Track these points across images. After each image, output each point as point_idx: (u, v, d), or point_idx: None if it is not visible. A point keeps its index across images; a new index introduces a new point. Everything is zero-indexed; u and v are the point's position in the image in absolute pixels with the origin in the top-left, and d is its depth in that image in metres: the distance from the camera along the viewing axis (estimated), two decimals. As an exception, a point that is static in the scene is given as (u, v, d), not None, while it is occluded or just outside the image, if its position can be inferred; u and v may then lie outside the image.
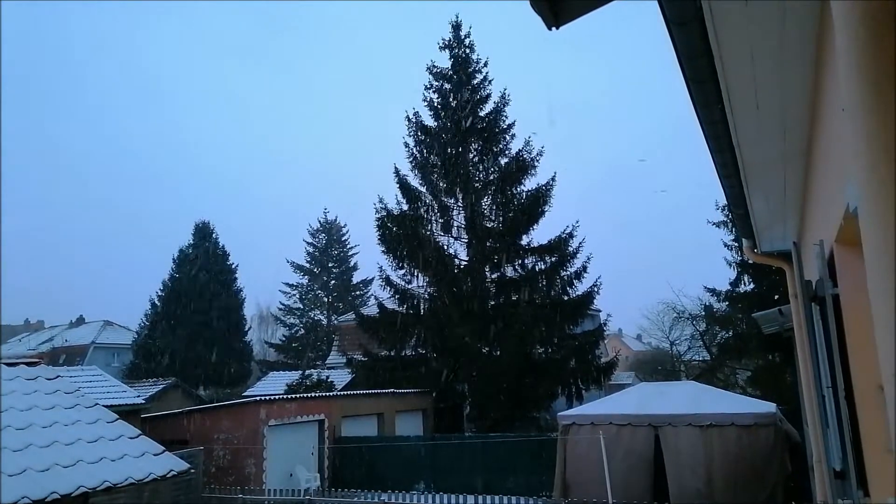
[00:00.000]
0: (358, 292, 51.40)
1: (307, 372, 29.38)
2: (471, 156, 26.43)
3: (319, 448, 18.86)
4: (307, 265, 51.92)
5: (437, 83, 27.37)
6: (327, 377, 28.20)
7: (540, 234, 27.07)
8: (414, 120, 26.87)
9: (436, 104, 27.20)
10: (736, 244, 21.63)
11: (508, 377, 22.79)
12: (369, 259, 67.17)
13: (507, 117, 26.75)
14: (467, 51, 27.39)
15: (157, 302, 42.82)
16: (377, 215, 25.74)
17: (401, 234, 25.18)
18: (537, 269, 25.10)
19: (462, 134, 26.00)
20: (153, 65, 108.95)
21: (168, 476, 9.92)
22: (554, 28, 2.30)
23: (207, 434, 17.21)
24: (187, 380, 34.56)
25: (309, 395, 21.13)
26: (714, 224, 23.79)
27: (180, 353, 39.47)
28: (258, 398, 18.97)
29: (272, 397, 19.58)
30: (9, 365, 11.01)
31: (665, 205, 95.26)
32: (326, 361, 36.58)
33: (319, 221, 53.46)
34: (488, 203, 26.01)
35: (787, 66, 3.31)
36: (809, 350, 5.13)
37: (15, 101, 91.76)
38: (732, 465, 11.89)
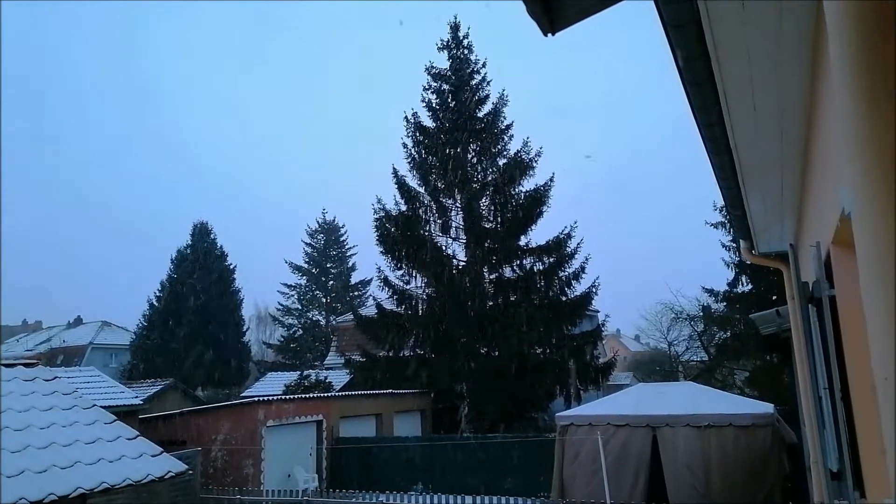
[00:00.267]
0: (356, 293, 51.42)
1: (305, 372, 29.36)
2: (469, 156, 26.44)
3: (318, 449, 18.85)
4: (305, 266, 51.94)
5: (435, 84, 27.41)
6: (325, 378, 28.18)
7: (538, 234, 27.17)
8: (412, 120, 26.89)
9: (434, 105, 27.22)
10: (733, 245, 21.67)
11: (506, 378, 22.81)
12: (368, 260, 67.32)
13: (505, 118, 26.81)
14: (466, 52, 27.42)
15: (155, 302, 42.80)
16: (375, 216, 25.79)
17: (399, 234, 25.20)
18: (535, 269, 25.13)
19: (460, 134, 26.00)
20: (153, 65, 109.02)
21: (166, 477, 9.91)
22: (550, 34, 2.32)
23: (205, 435, 17.19)
24: (185, 380, 34.52)
25: (307, 395, 21.12)
26: (712, 225, 23.86)
27: (178, 353, 39.45)
28: (256, 399, 18.96)
29: (270, 398, 19.55)
30: (6, 366, 10.98)
31: (663, 206, 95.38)
32: (325, 362, 36.56)
33: (318, 222, 53.52)
34: (486, 204, 26.03)
35: (783, 68, 3.32)
36: (806, 351, 5.14)
37: (14, 101, 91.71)
38: (730, 465, 11.90)
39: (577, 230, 25.24)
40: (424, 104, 27.32)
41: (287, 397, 20.39)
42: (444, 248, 25.68)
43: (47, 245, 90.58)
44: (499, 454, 17.36)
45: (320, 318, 50.74)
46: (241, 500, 13.98)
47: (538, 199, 25.36)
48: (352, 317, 28.88)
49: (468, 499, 14.08)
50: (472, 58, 27.37)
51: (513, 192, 25.77)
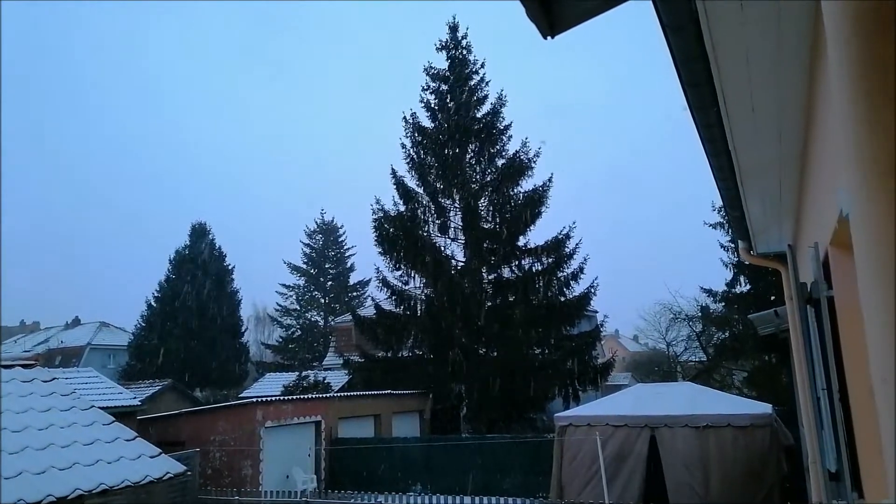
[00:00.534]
0: (355, 293, 51.40)
1: (304, 373, 29.33)
2: (468, 157, 26.44)
3: (316, 449, 18.84)
4: (304, 266, 51.91)
5: (434, 84, 27.41)
6: (324, 378, 28.17)
7: (537, 235, 27.15)
8: (411, 121, 26.89)
9: (433, 105, 27.22)
10: (732, 245, 21.69)
11: (505, 378, 22.81)
12: (366, 260, 67.24)
13: (504, 118, 26.80)
14: (464, 52, 27.42)
15: (153, 303, 42.72)
16: (374, 216, 25.80)
17: (398, 235, 25.20)
18: (534, 270, 25.13)
19: (459, 135, 26.01)
20: (153, 65, 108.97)
21: (164, 478, 9.90)
22: (549, 37, 2.32)
23: (204, 436, 17.17)
24: (183, 381, 34.47)
25: (305, 396, 21.10)
26: (710, 225, 23.89)
27: (176, 354, 39.37)
28: (255, 399, 18.94)
29: (269, 399, 19.54)
30: (4, 367, 10.97)
31: (662, 206, 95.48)
32: (323, 363, 36.55)
33: (316, 222, 53.50)
34: (485, 204, 26.04)
35: (782, 69, 3.33)
36: (804, 352, 5.15)
37: (13, 101, 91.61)
38: (729, 465, 11.91)
39: (575, 230, 25.28)
40: (423, 105, 27.34)
41: (285, 398, 20.38)
42: (442, 248, 25.69)
43: (45, 245, 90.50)
44: (497, 455, 17.36)
45: (319, 318, 50.71)
46: (240, 501, 13.97)
47: (537, 199, 25.36)
48: (350, 317, 28.87)
49: (466, 499, 14.07)
50: (471, 58, 27.39)
51: (511, 193, 25.77)
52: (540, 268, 25.16)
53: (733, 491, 11.69)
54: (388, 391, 22.66)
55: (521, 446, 17.10)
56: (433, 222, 25.93)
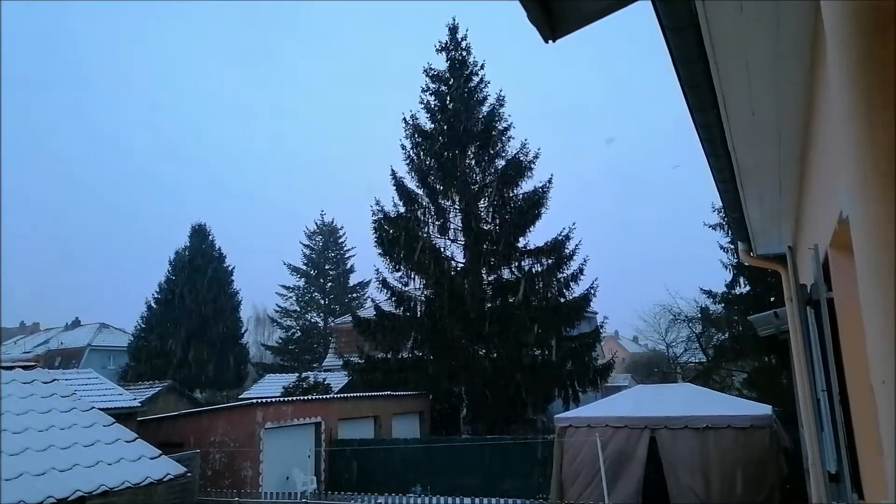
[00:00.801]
0: (355, 294, 51.40)
1: (304, 374, 29.33)
2: (468, 158, 26.43)
3: (316, 451, 18.83)
4: (304, 267, 51.90)
5: (434, 85, 27.41)
6: (324, 380, 28.16)
7: (537, 236, 27.16)
8: (411, 122, 26.89)
9: (433, 106, 27.21)
10: (732, 247, 21.69)
11: (505, 379, 22.81)
12: (366, 261, 67.28)
13: (503, 119, 26.79)
14: (464, 53, 27.42)
15: (153, 304, 42.71)
16: (374, 217, 25.81)
17: (398, 236, 25.19)
18: (534, 271, 25.12)
19: (459, 136, 26.01)
20: (152, 65, 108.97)
21: (164, 480, 9.90)
22: (551, 41, 2.32)
23: (204, 437, 17.16)
24: (183, 382, 34.46)
25: (305, 397, 21.09)
26: (710, 226, 23.88)
27: (176, 355, 39.37)
28: (255, 401, 18.92)
29: (269, 400, 19.54)
30: (5, 368, 10.97)
31: (662, 207, 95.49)
32: (323, 364, 36.53)
33: (316, 223, 53.52)
34: (485, 205, 26.05)
35: (781, 70, 3.33)
36: (804, 353, 5.15)
37: (12, 101, 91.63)
38: (729, 467, 11.91)
39: (575, 232, 25.28)
40: (423, 106, 27.34)
41: (285, 399, 20.36)
42: (442, 249, 25.69)
43: (45, 246, 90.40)
44: (497, 456, 17.34)
45: (319, 319, 50.70)
46: (240, 503, 13.96)
47: (536, 200, 25.37)
48: (350, 318, 28.85)
49: (466, 500, 14.06)
50: (471, 59, 27.40)
51: (511, 194, 25.78)
52: (540, 269, 25.15)
53: (733, 492, 11.69)
54: (388, 392, 22.65)
55: (521, 447, 17.09)
56: (433, 223, 25.94)
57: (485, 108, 26.94)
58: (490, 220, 25.90)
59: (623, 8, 2.42)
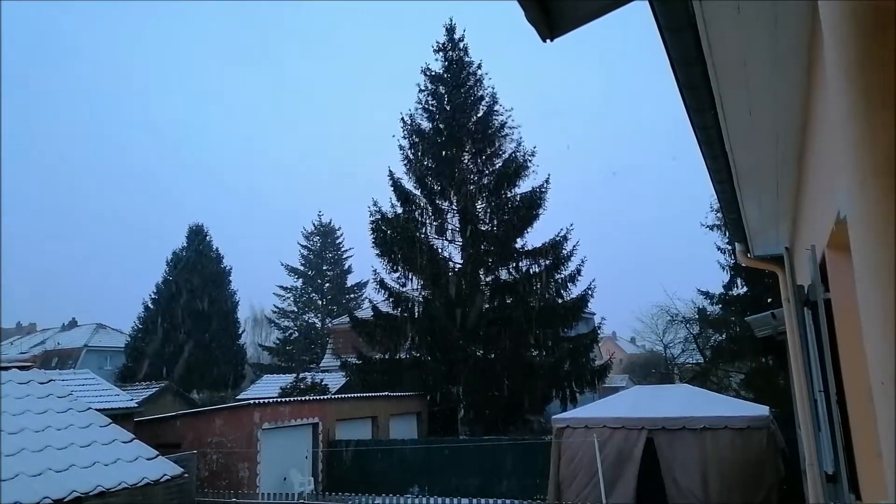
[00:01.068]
0: (352, 295, 51.36)
1: (301, 375, 29.29)
2: (465, 158, 26.44)
3: (313, 451, 18.81)
4: (301, 268, 51.86)
5: (431, 86, 27.40)
6: (321, 380, 28.14)
7: (534, 236, 27.10)
8: (409, 122, 26.90)
9: (430, 107, 27.21)
10: (729, 248, 21.71)
11: (503, 380, 22.80)
12: (364, 262, 67.20)
13: (501, 120, 26.83)
14: (461, 53, 27.43)
15: (150, 305, 42.65)
16: (371, 218, 25.79)
17: (395, 237, 25.19)
18: (532, 272, 25.12)
19: (456, 136, 26.02)
20: (152, 66, 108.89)
21: (161, 480, 9.87)
22: (549, 40, 2.32)
23: (201, 438, 17.13)
24: (180, 383, 34.40)
25: (303, 398, 21.07)
26: (708, 227, 23.91)
27: (173, 356, 39.31)
28: (252, 401, 18.88)
29: (266, 400, 19.50)
30: (2, 368, 10.94)
31: (660, 208, 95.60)
32: (320, 364, 36.51)
33: (314, 224, 53.49)
34: (483, 206, 26.04)
35: (779, 71, 3.33)
36: (802, 354, 5.16)
37: (10, 101, 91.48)
38: (727, 467, 11.92)
39: (573, 232, 25.28)
40: (420, 106, 27.34)
41: (283, 400, 20.33)
42: (440, 250, 25.68)
43: (42, 247, 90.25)
44: (495, 457, 17.34)
45: (316, 320, 50.66)
46: (237, 503, 13.94)
47: (534, 201, 25.38)
48: (348, 319, 28.82)
49: (464, 501, 14.07)
50: (468, 60, 27.40)
51: (509, 195, 25.79)
52: (537, 270, 25.15)
53: (731, 493, 11.70)
54: (386, 393, 22.63)
55: (519, 448, 17.09)
56: (431, 224, 25.94)
57: (482, 108, 26.94)
58: (488, 221, 25.90)
59: (620, 7, 2.42)
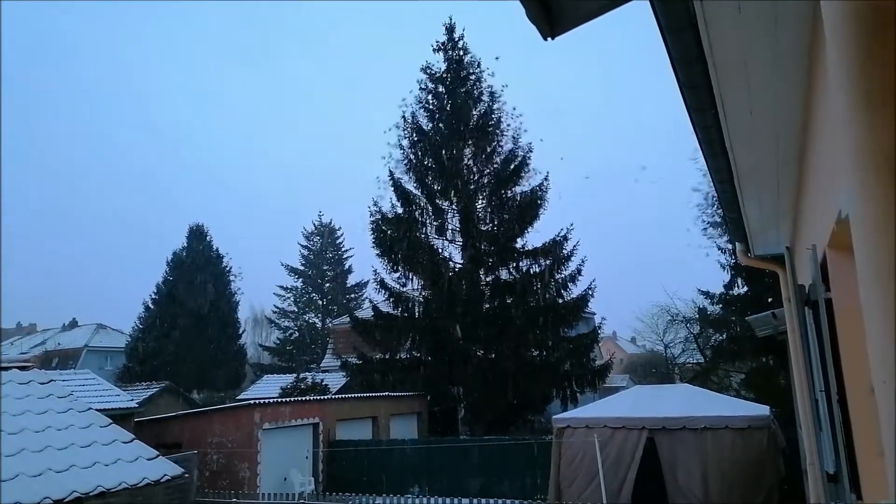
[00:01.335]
0: (352, 295, 51.39)
1: (301, 375, 29.30)
2: (465, 158, 26.41)
3: (314, 452, 18.81)
4: (302, 268, 51.88)
5: (431, 85, 27.38)
6: (322, 380, 28.13)
7: (534, 236, 27.16)
8: (409, 121, 26.88)
9: (430, 106, 27.19)
10: (730, 247, 21.70)
11: (503, 380, 22.78)
12: (364, 262, 67.20)
13: (501, 120, 26.79)
14: (461, 53, 27.41)
15: (150, 305, 42.67)
16: (372, 218, 25.80)
17: (395, 236, 25.18)
18: (532, 271, 25.10)
19: (456, 136, 25.99)
20: (151, 67, 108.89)
21: (162, 481, 9.87)
22: (550, 38, 2.33)
23: (201, 438, 17.13)
24: (181, 383, 34.41)
25: (303, 398, 21.07)
26: (708, 226, 23.88)
27: (174, 356, 39.31)
28: (252, 401, 18.89)
29: (266, 401, 19.50)
30: (2, 369, 10.94)
31: (660, 208, 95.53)
32: (321, 364, 36.51)
33: (314, 224, 53.53)
34: (483, 206, 26.04)
35: (780, 70, 3.33)
36: (803, 353, 5.16)
37: (10, 101, 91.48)
38: (727, 467, 11.91)
39: (573, 232, 25.27)
40: (421, 106, 27.31)
41: (283, 400, 20.34)
42: (440, 250, 25.66)
43: (42, 247, 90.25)
44: (495, 457, 17.33)
45: (316, 320, 50.68)
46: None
47: (534, 200, 25.37)
48: (348, 319, 28.83)
49: (465, 501, 14.06)
50: (468, 59, 27.38)
51: (509, 195, 25.78)
52: (538, 269, 25.13)
53: (732, 493, 11.69)
54: (386, 393, 22.64)
55: (519, 448, 17.08)
56: (431, 224, 25.92)
57: (482, 108, 26.93)
58: (488, 221, 25.89)
59: (621, 6, 2.42)
